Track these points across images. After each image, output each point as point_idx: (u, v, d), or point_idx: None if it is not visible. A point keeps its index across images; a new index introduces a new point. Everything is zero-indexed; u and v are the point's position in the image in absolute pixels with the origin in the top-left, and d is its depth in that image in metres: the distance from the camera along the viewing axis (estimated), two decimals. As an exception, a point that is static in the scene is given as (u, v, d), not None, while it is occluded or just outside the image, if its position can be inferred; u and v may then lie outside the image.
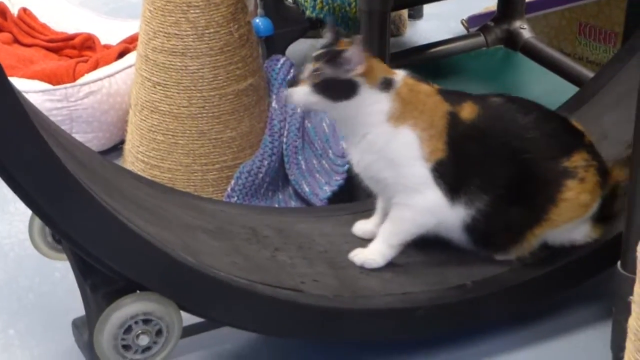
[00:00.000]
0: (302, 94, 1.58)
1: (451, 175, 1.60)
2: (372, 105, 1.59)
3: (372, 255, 1.67)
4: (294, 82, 1.60)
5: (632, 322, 1.15)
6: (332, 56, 1.57)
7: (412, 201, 1.62)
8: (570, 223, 1.65)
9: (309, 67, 1.59)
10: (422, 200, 1.61)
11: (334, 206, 1.93)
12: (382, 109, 1.59)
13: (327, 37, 1.62)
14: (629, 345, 1.16)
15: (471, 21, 2.74)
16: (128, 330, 1.53)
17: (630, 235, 1.53)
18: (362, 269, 1.67)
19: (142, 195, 1.72)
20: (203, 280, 1.52)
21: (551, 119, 1.68)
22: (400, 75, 1.62)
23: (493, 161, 1.62)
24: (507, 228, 1.65)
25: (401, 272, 1.67)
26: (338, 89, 1.58)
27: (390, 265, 1.67)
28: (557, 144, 1.64)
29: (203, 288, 1.53)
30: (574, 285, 1.75)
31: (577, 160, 1.63)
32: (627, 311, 1.17)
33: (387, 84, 1.59)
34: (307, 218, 1.83)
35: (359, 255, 1.68)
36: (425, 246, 1.70)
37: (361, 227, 1.75)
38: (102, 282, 1.55)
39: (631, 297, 1.16)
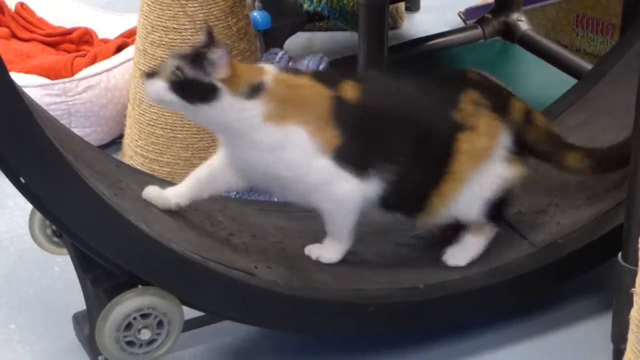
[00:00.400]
0: (158, 88, 1.51)
1: (354, 157, 1.57)
2: (239, 112, 1.52)
3: (327, 250, 1.66)
4: (152, 74, 1.53)
5: (634, 313, 1.16)
6: (196, 56, 1.51)
7: (329, 195, 1.59)
8: (475, 171, 1.61)
9: (171, 62, 1.51)
10: (337, 190, 1.58)
11: (287, 202, 1.93)
12: (253, 115, 1.52)
13: (200, 39, 1.54)
14: (632, 336, 1.16)
15: (468, 13, 2.75)
16: (129, 325, 1.53)
17: (631, 227, 1.53)
18: (316, 263, 1.66)
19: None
20: (156, 249, 1.50)
21: (427, 75, 1.65)
22: (269, 74, 1.55)
23: (386, 133, 1.59)
24: (416, 194, 1.62)
25: (355, 270, 1.67)
26: (197, 92, 1.50)
27: (345, 262, 1.66)
28: (440, 98, 1.61)
29: (155, 257, 1.51)
30: (560, 283, 1.75)
31: (466, 107, 1.60)
32: (628, 303, 1.18)
33: (254, 90, 1.52)
34: (260, 211, 1.82)
35: (314, 250, 1.67)
36: (383, 247, 1.71)
37: None
38: (103, 276, 1.55)
39: (633, 289, 1.16)
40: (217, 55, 1.49)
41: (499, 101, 1.63)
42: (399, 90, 1.62)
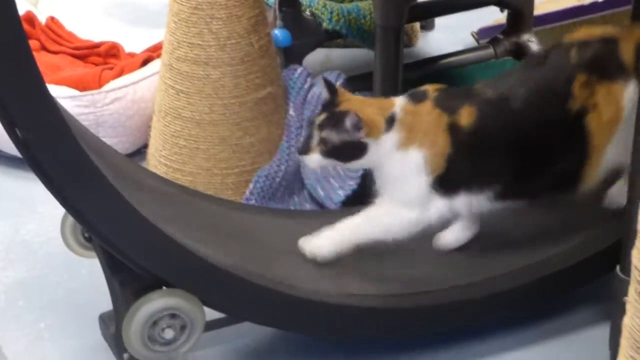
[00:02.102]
0: (315, 161, 1.67)
1: (448, 185, 1.67)
2: (381, 147, 1.66)
3: (321, 247, 1.72)
4: (306, 149, 1.67)
5: (626, 320, 1.20)
6: (335, 122, 1.64)
7: (399, 211, 1.69)
8: (616, 132, 1.68)
9: (316, 135, 1.66)
10: (408, 214, 1.68)
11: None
12: (390, 144, 1.66)
13: (324, 94, 1.69)
14: (624, 342, 1.21)
15: (481, 33, 2.81)
16: (154, 324, 1.60)
17: (629, 241, 1.60)
18: (335, 267, 1.72)
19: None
20: (179, 253, 1.58)
21: (532, 72, 1.71)
22: (399, 104, 1.68)
23: (497, 151, 1.68)
24: (559, 180, 1.71)
25: (377, 272, 1.75)
26: (348, 151, 1.66)
27: (371, 267, 1.74)
28: (552, 97, 1.68)
29: (179, 261, 1.59)
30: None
31: (579, 93, 1.67)
32: (623, 311, 1.22)
33: (389, 123, 1.66)
34: (276, 217, 1.93)
35: (307, 244, 1.73)
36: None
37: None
38: (130, 278, 1.62)
39: (626, 298, 1.22)
40: (352, 120, 1.63)
41: (608, 63, 1.68)
42: (514, 109, 1.68)
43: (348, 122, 1.63)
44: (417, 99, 1.70)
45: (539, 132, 1.69)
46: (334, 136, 1.65)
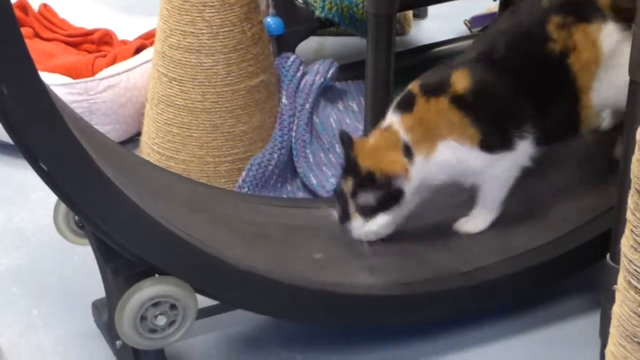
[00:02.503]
0: (360, 227, 1.70)
1: (496, 138, 1.71)
2: (416, 174, 1.69)
3: (475, 221, 1.80)
4: (346, 217, 1.70)
5: (615, 309, 1.21)
6: (365, 187, 1.68)
7: (492, 175, 1.73)
8: (600, 74, 1.72)
9: (351, 203, 1.69)
10: (496, 171, 1.73)
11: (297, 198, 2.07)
12: (421, 163, 1.69)
13: (340, 148, 1.72)
14: (613, 330, 1.22)
15: (474, 21, 2.82)
16: (147, 311, 1.59)
17: (619, 230, 1.61)
18: (323, 255, 1.75)
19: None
20: (172, 240, 1.58)
21: (507, 23, 1.76)
22: (398, 126, 1.70)
23: (506, 101, 1.72)
24: (560, 124, 1.76)
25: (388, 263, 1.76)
26: (388, 202, 1.68)
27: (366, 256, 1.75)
28: (529, 40, 1.72)
29: (171, 248, 1.59)
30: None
31: (557, 34, 1.71)
32: (613, 300, 1.24)
33: (408, 153, 1.69)
34: (269, 206, 1.92)
35: (462, 225, 1.80)
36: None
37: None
38: (123, 265, 1.62)
39: (615, 286, 1.23)
40: (382, 179, 1.66)
41: (582, 4, 1.73)
42: (498, 57, 1.72)
43: (379, 183, 1.66)
44: (408, 106, 1.72)
45: (531, 75, 1.72)
46: (369, 199, 1.68)
